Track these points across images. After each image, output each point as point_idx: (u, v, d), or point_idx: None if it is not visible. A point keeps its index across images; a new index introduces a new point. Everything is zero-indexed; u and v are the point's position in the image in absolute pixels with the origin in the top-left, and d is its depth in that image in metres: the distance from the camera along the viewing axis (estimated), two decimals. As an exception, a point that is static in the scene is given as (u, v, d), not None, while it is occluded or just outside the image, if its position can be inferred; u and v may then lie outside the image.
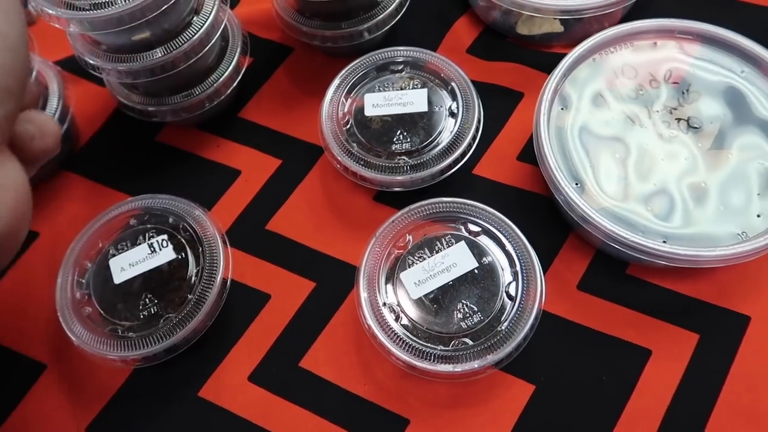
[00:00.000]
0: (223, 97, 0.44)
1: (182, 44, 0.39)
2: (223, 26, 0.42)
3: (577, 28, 0.45)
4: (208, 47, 0.41)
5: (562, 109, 0.39)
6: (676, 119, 0.38)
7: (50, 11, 0.36)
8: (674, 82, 0.39)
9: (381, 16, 0.44)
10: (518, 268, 0.35)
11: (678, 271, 0.38)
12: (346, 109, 0.42)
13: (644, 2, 0.47)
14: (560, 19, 0.45)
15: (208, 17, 0.40)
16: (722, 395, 0.35)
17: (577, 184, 0.37)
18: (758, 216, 0.35)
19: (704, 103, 0.38)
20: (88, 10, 0.36)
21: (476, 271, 0.35)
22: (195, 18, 0.40)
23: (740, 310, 0.37)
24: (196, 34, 0.39)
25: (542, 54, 0.46)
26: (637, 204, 0.36)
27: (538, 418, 0.36)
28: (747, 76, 0.39)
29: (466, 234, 0.37)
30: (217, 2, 0.41)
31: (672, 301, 0.38)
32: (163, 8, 0.36)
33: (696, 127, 0.38)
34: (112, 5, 0.35)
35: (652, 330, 0.37)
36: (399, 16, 0.45)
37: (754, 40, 0.39)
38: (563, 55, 0.40)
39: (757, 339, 0.37)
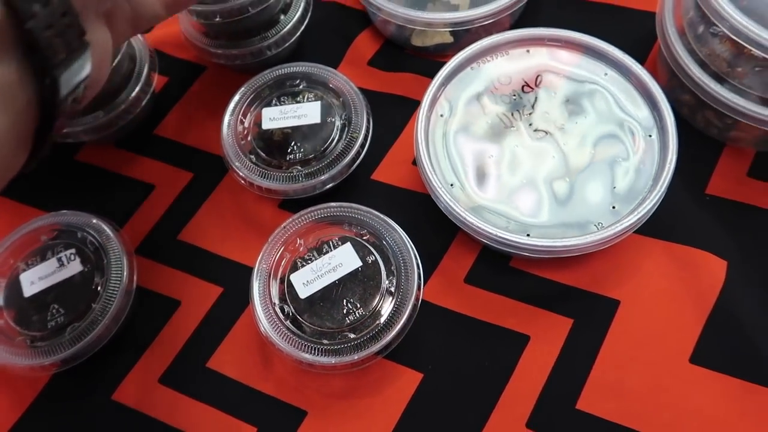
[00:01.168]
0: (133, 115, 0.46)
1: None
2: (126, 48, 0.44)
3: (466, 38, 0.48)
4: (119, 70, 0.43)
5: (441, 115, 0.42)
6: (545, 121, 0.41)
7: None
8: (545, 87, 0.42)
9: (281, 33, 0.47)
10: (399, 265, 0.38)
11: (555, 262, 0.41)
12: (246, 124, 0.45)
13: (531, 14, 0.50)
14: (450, 31, 0.48)
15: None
16: (592, 374, 0.38)
17: (452, 185, 0.40)
18: (613, 207, 0.38)
19: (571, 104, 0.41)
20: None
21: (360, 269, 0.38)
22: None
23: (611, 295, 0.40)
24: (99, 55, 0.42)
25: (436, 63, 0.49)
26: (508, 201, 0.39)
27: (426, 404, 0.38)
28: (609, 79, 0.42)
29: (352, 235, 0.39)
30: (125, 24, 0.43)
31: (550, 289, 0.41)
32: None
33: (562, 129, 0.41)
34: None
35: (531, 317, 0.40)
36: (298, 33, 0.48)
37: (618, 46, 0.42)
38: (452, 64, 0.43)
39: (625, 321, 0.40)
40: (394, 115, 0.48)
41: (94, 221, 0.41)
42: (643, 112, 0.41)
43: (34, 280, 0.40)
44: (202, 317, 0.42)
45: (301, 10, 0.48)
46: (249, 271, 0.43)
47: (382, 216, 0.40)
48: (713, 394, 0.37)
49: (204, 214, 0.46)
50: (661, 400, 0.37)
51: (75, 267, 0.40)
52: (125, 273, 0.40)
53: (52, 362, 0.38)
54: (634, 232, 0.40)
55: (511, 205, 0.39)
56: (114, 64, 0.43)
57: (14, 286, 0.40)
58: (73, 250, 0.41)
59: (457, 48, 0.48)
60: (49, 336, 0.39)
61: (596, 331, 0.40)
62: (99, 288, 0.39)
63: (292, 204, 0.45)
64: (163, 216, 0.46)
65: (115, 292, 0.39)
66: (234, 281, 0.43)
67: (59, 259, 0.40)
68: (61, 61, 0.23)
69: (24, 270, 0.40)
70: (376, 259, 0.39)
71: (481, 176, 0.40)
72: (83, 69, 0.25)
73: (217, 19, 0.45)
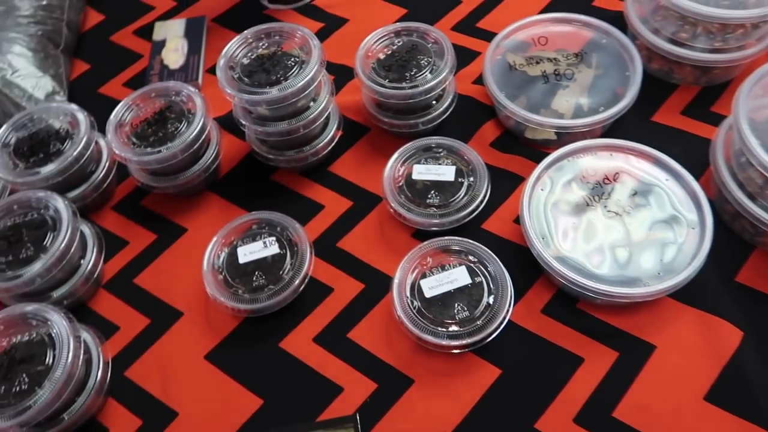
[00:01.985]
0: (320, 155, 0.66)
1: (301, 120, 0.62)
2: (329, 111, 0.64)
3: (567, 137, 0.65)
4: (317, 123, 0.63)
5: (542, 189, 0.59)
6: (616, 206, 0.57)
7: (228, 90, 0.60)
8: (620, 181, 0.58)
9: (432, 115, 0.66)
10: (497, 287, 0.54)
11: (611, 308, 0.56)
12: (400, 173, 0.63)
13: (617, 127, 0.67)
14: (555, 132, 0.65)
15: (321, 105, 0.62)
16: (628, 394, 0.52)
17: (543, 238, 0.56)
18: (659, 274, 0.53)
19: (637, 197, 0.57)
20: (251, 94, 0.59)
21: (469, 285, 0.55)
22: (313, 104, 0.63)
23: (649, 340, 0.55)
24: (311, 114, 0.62)
25: (540, 153, 0.66)
26: (582, 257, 0.55)
27: (499, 393, 0.53)
28: (669, 184, 0.58)
29: (467, 261, 0.56)
30: (327, 95, 0.63)
31: (604, 328, 0.56)
32: (294, 100, 0.59)
33: (628, 213, 0.56)
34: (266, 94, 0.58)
35: (587, 345, 0.55)
36: (445, 116, 0.67)
37: (680, 160, 0.58)
38: (553, 155, 0.61)
39: (659, 360, 0.54)
40: (504, 185, 0.65)
41: (293, 223, 0.60)
42: (691, 212, 0.56)
43: (246, 253, 0.58)
44: (347, 302, 0.60)
45: (449, 100, 0.67)
46: (384, 276, 0.60)
47: (489, 251, 0.56)
48: (720, 428, 0.50)
49: (357, 232, 0.64)
50: (679, 423, 0.51)
51: (273, 249, 0.58)
52: (306, 260, 0.58)
53: (247, 308, 0.56)
54: (673, 296, 0.54)
55: (584, 260, 0.54)
56: (314, 116, 0.62)
57: (233, 255, 0.59)
58: (273, 238, 0.59)
59: (559, 144, 0.65)
60: (251, 292, 0.57)
61: (635, 364, 0.54)
62: (288, 267, 0.58)
63: (422, 234, 0.62)
64: (328, 228, 0.65)
65: (299, 272, 0.57)
66: (373, 281, 0.60)
67: (264, 242, 0.59)
68: None
69: (240, 245, 0.59)
70: (481, 280, 0.55)
71: (564, 236, 0.56)
72: None
73: (392, 101, 0.64)
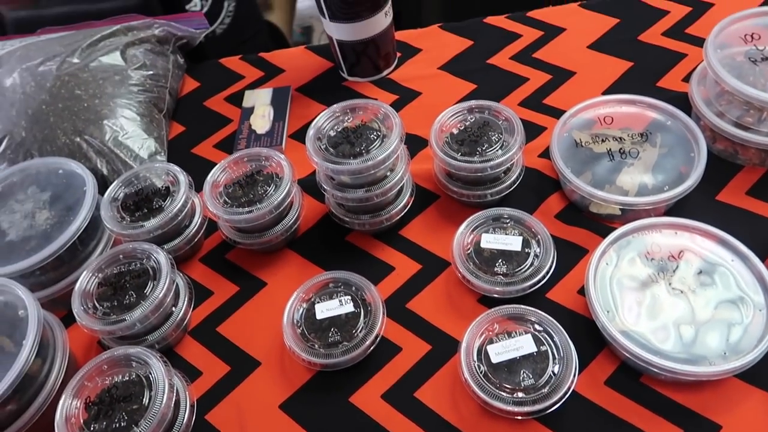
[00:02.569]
0: (393, 221, 0.71)
1: (379, 189, 0.67)
2: (404, 180, 0.69)
3: (631, 214, 0.68)
4: (393, 191, 0.68)
5: (606, 264, 0.61)
6: (681, 284, 0.59)
7: (315, 159, 0.65)
8: (685, 260, 0.60)
9: (500, 187, 0.70)
10: (562, 357, 0.56)
11: (675, 384, 0.57)
12: (468, 241, 0.67)
13: (681, 204, 0.69)
14: (619, 208, 0.68)
15: (397, 175, 0.67)
16: (691, 472, 0.53)
17: (608, 312, 0.58)
18: (725, 354, 0.54)
19: (703, 276, 0.59)
20: (336, 163, 0.64)
21: (535, 353, 0.57)
22: (390, 173, 0.68)
23: (715, 419, 0.55)
24: (388, 183, 0.67)
25: (605, 227, 0.69)
26: (646, 332, 0.56)
27: (563, 460, 0.55)
28: (735, 264, 0.59)
29: (532, 330, 0.59)
30: (404, 165, 0.69)
31: (668, 403, 0.57)
32: (374, 171, 0.65)
33: (694, 291, 0.58)
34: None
35: (650, 420, 0.56)
36: (512, 188, 0.71)
37: (746, 242, 0.60)
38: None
39: (723, 441, 0.54)
40: (568, 256, 0.68)
41: (369, 285, 0.64)
42: (758, 294, 0.57)
43: (323, 310, 0.63)
44: (415, 362, 0.63)
45: (516, 174, 0.71)
46: (451, 338, 0.63)
47: (554, 321, 0.59)
48: None
49: (426, 294, 0.68)
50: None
51: (349, 308, 0.63)
52: (379, 320, 0.62)
53: (321, 362, 0.60)
54: (740, 377, 0.55)
55: (649, 336, 0.56)
56: (390, 185, 0.67)
57: (311, 310, 0.63)
58: (349, 297, 0.63)
59: (623, 219, 0.68)
60: (326, 347, 0.61)
61: (699, 443, 0.54)
62: (361, 325, 0.61)
63: (488, 300, 0.65)
64: (398, 289, 0.69)
65: (371, 332, 0.61)
66: (440, 343, 0.63)
67: (340, 301, 0.63)
68: None
69: (318, 302, 0.63)
70: (547, 349, 0.57)
71: (629, 311, 0.58)
72: None
73: (463, 173, 0.69)
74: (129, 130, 0.79)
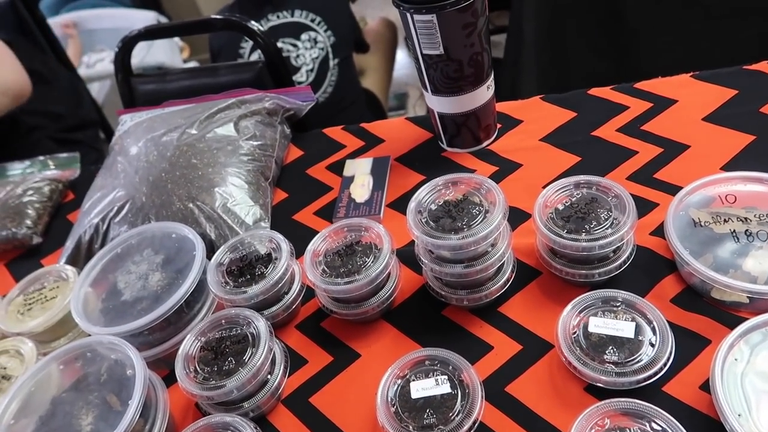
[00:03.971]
0: (493, 297, 0.68)
1: (479, 264, 0.65)
2: (506, 257, 0.67)
3: (761, 302, 0.61)
4: (494, 268, 0.66)
5: (735, 359, 0.55)
6: (828, 388, 0.51)
7: (415, 232, 0.65)
8: (831, 361, 0.53)
9: (610, 267, 0.66)
10: (685, 464, 0.50)
11: None
12: (575, 323, 0.63)
13: (822, 293, 0.62)
14: (747, 296, 0.62)
15: (499, 251, 0.65)
16: None
17: (740, 415, 0.52)
18: None
19: None
20: (436, 238, 0.63)
21: (653, 457, 0.51)
22: (491, 249, 0.66)
23: None
24: (489, 260, 0.65)
25: (729, 315, 0.63)
26: (787, 443, 0.49)
27: None
28: None
29: (649, 429, 0.53)
30: (506, 241, 0.66)
31: None
32: (475, 248, 0.63)
33: None
34: (452, 238, 0.63)
35: None
36: (623, 268, 0.67)
37: None
38: (745, 319, 0.57)
39: None
40: (688, 345, 0.62)
41: (468, 366, 0.61)
42: None
43: (418, 389, 0.61)
44: (515, 454, 0.59)
45: (627, 254, 0.67)
46: (553, 429, 0.59)
47: (675, 421, 0.53)
48: None
49: (526, 378, 0.64)
50: None
51: (445, 388, 0.60)
52: (478, 404, 0.58)
53: (415, 449, 0.57)
54: None
55: (790, 447, 0.49)
56: (491, 261, 0.65)
57: (405, 388, 0.61)
58: (445, 377, 0.61)
59: (752, 308, 0.61)
60: (419, 429, 0.58)
61: None
62: (458, 408, 0.58)
63: (595, 390, 0.60)
64: (497, 371, 0.65)
65: (469, 416, 0.58)
66: (543, 435, 0.59)
67: (436, 380, 0.61)
68: None
69: (413, 380, 0.61)
70: (667, 453, 0.51)
71: (764, 414, 0.51)
72: None
73: (568, 251, 0.66)
74: (237, 197, 0.82)
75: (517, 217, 0.79)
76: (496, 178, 0.86)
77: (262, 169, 0.88)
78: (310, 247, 0.72)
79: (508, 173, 0.86)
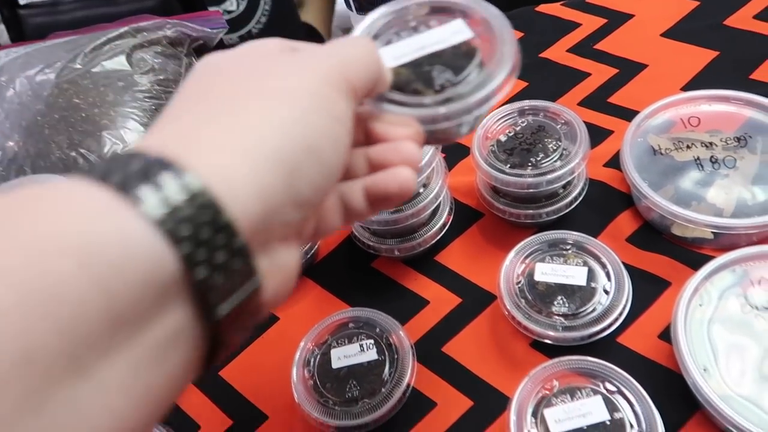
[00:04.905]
0: (428, 245, 0.59)
1: (410, 208, 0.55)
2: (441, 197, 0.57)
3: (726, 238, 0.54)
4: (427, 211, 0.56)
5: (700, 304, 0.48)
6: (804, 333, 0.45)
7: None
8: (807, 301, 0.46)
9: (559, 205, 0.57)
10: (644, 428, 0.43)
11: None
12: (519, 271, 0.54)
13: (793, 224, 0.55)
14: (711, 231, 0.54)
15: (433, 191, 0.56)
16: None
17: (705, 369, 0.44)
18: None
19: (833, 324, 0.45)
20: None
21: (607, 422, 0.44)
22: (423, 189, 0.56)
23: None
24: (422, 202, 0.55)
25: (692, 253, 0.55)
26: (759, 397, 0.43)
27: None
28: None
29: (603, 390, 0.46)
30: (441, 180, 0.57)
31: (788, 494, 0.43)
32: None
33: (822, 344, 0.44)
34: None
35: None
36: (573, 206, 0.58)
37: None
38: (711, 258, 0.50)
39: None
40: (645, 289, 0.54)
41: (396, 326, 0.53)
42: None
43: (340, 356, 0.52)
44: (452, 422, 0.51)
45: (578, 189, 0.58)
46: (497, 392, 0.51)
47: (634, 382, 0.45)
48: None
49: (466, 335, 0.56)
50: None
51: (371, 355, 0.51)
52: (408, 371, 0.50)
53: (336, 424, 0.49)
54: None
55: (761, 402, 0.42)
56: (424, 204, 0.56)
57: (326, 357, 0.52)
58: (371, 341, 0.52)
59: (716, 244, 0.54)
60: (343, 404, 0.49)
61: None
62: (387, 377, 0.50)
63: (542, 345, 0.53)
64: (433, 328, 0.57)
65: (399, 385, 0.49)
66: (483, 397, 0.51)
67: (361, 345, 0.52)
68: (225, 299, 0.22)
69: (335, 346, 0.52)
70: (622, 417, 0.44)
71: (733, 367, 0.44)
72: (251, 300, 0.23)
73: (510, 188, 0.57)
74: (131, 141, 0.70)
75: (455, 152, 0.69)
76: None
77: (164, 108, 0.76)
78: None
79: (447, 104, 0.76)
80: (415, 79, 0.33)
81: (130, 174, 0.20)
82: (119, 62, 0.76)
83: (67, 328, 0.17)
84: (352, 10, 0.74)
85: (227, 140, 0.23)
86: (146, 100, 0.75)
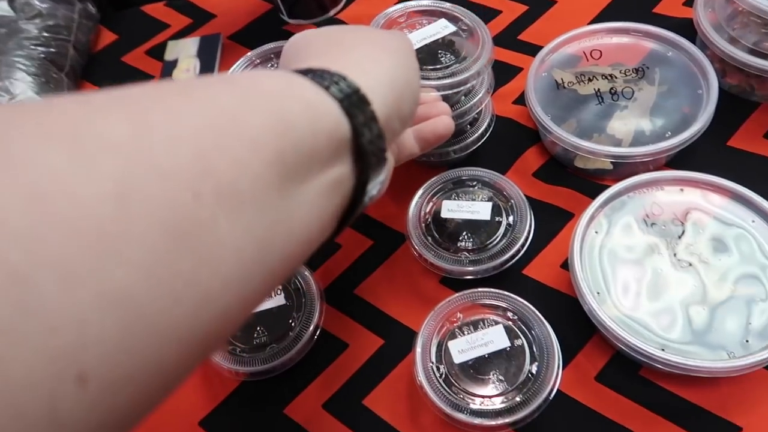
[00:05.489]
0: (337, 188, 0.58)
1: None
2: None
3: (625, 167, 0.55)
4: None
5: (596, 232, 0.49)
6: (689, 253, 0.47)
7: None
8: (693, 222, 0.48)
9: (466, 141, 0.57)
10: (542, 354, 0.45)
11: (684, 379, 0.46)
12: (427, 210, 0.54)
13: (686, 155, 0.57)
14: (611, 161, 0.55)
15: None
16: (707, 491, 0.42)
17: (598, 293, 0.46)
18: (747, 341, 0.42)
19: (716, 242, 0.47)
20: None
21: (508, 349, 0.45)
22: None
23: (735, 421, 0.44)
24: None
25: (594, 185, 0.57)
26: (647, 316, 0.45)
27: (545, 480, 0.44)
28: (756, 226, 0.47)
29: (505, 320, 0.47)
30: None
31: (676, 403, 0.45)
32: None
33: (706, 262, 0.46)
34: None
35: (654, 425, 0.45)
36: (480, 142, 0.58)
37: (760, 194, 0.48)
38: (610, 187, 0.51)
39: (745, 449, 0.43)
40: (549, 222, 0.55)
41: (301, 268, 0.52)
42: (786, 261, 0.45)
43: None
44: (364, 361, 0.51)
45: (485, 125, 0.58)
46: (407, 330, 0.52)
47: (533, 309, 0.47)
48: None
49: (377, 276, 0.56)
50: None
51: (279, 300, 0.51)
52: (316, 314, 0.50)
53: (246, 371, 0.48)
54: (766, 367, 0.44)
55: (649, 321, 0.44)
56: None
57: (233, 306, 0.51)
58: (279, 287, 0.51)
59: (616, 174, 0.55)
60: (251, 350, 0.49)
61: (715, 453, 0.43)
62: (294, 322, 0.50)
63: (451, 281, 0.53)
64: (345, 271, 0.56)
65: (306, 328, 0.49)
66: (395, 336, 0.52)
67: (273, 291, 0.51)
68: (373, 167, 0.31)
69: (242, 294, 0.51)
70: (523, 344, 0.45)
71: (625, 290, 0.46)
72: (382, 177, 0.33)
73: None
74: (17, 92, 0.65)
75: (368, 95, 0.67)
76: (346, 52, 0.73)
77: (54, 57, 0.70)
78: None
79: (359, 45, 0.74)
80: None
81: (320, 75, 0.30)
82: (2, 8, 0.70)
83: (297, 146, 0.25)
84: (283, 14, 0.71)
85: (365, 67, 0.32)
86: (34, 48, 0.69)
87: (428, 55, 0.54)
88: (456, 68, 0.52)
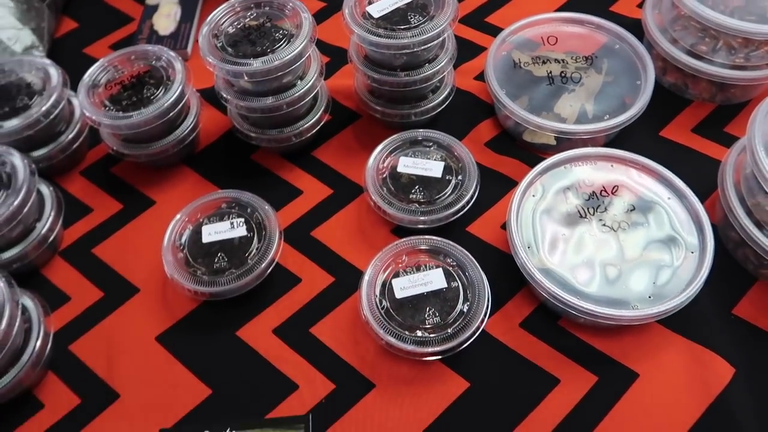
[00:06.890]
0: (304, 138, 0.62)
1: (286, 98, 0.58)
2: (316, 91, 0.60)
3: (567, 144, 0.61)
4: (302, 102, 0.59)
5: (533, 195, 0.55)
6: (611, 220, 0.53)
7: (209, 58, 0.56)
8: (618, 195, 0.54)
9: (427, 106, 0.62)
10: (474, 295, 0.50)
11: (594, 329, 0.52)
12: (385, 164, 0.59)
13: (623, 137, 0.63)
14: (555, 136, 0.61)
15: (308, 83, 0.59)
16: (603, 423, 0.48)
17: (529, 247, 0.52)
18: (650, 297, 0.49)
19: (635, 213, 0.53)
20: (233, 64, 0.55)
21: (444, 290, 0.50)
22: (299, 81, 0.59)
23: (633, 367, 0.50)
24: (297, 92, 0.58)
25: (537, 157, 0.62)
26: (568, 271, 0.51)
27: (464, 408, 0.49)
28: (671, 203, 0.53)
29: (445, 264, 0.52)
30: (315, 74, 0.59)
31: (585, 349, 0.52)
32: (279, 75, 0.55)
33: (624, 229, 0.52)
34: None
35: (565, 366, 0.51)
36: (440, 109, 0.63)
37: (687, 180, 0.54)
38: (551, 161, 0.56)
39: (640, 390, 0.49)
40: (495, 188, 0.61)
41: (264, 205, 0.56)
42: (692, 235, 0.52)
43: (211, 232, 0.55)
44: (314, 295, 0.56)
45: (446, 94, 0.63)
46: (357, 271, 0.56)
47: (471, 256, 0.52)
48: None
49: (334, 222, 0.60)
50: (654, 460, 0.46)
51: (241, 231, 0.55)
52: (274, 246, 0.54)
53: (206, 291, 0.52)
54: (663, 323, 0.50)
55: (570, 275, 0.50)
56: (299, 94, 0.58)
57: (197, 233, 0.55)
58: (242, 219, 0.55)
59: (558, 150, 0.61)
60: (211, 274, 0.53)
61: (614, 391, 0.49)
62: (254, 251, 0.54)
63: (402, 230, 0.58)
64: (304, 215, 0.61)
65: (265, 258, 0.53)
66: (345, 276, 0.56)
67: (231, 223, 0.55)
68: None
69: (206, 224, 0.55)
70: (458, 285, 0.51)
71: (553, 247, 0.52)
72: None
73: (386, 88, 0.60)
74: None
75: (341, 57, 0.71)
76: (324, 14, 0.77)
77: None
78: (86, 78, 0.60)
79: (337, 9, 0.78)
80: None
81: None
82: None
83: None
84: None
85: None
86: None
87: (401, 17, 0.58)
88: (424, 27, 0.56)
